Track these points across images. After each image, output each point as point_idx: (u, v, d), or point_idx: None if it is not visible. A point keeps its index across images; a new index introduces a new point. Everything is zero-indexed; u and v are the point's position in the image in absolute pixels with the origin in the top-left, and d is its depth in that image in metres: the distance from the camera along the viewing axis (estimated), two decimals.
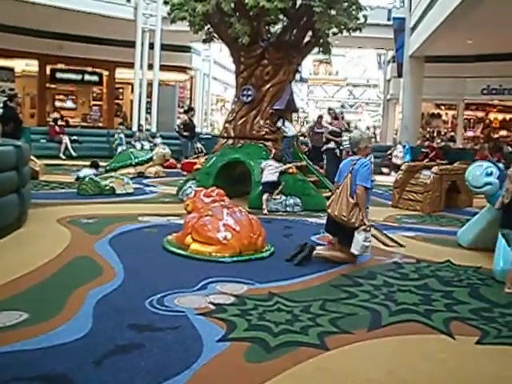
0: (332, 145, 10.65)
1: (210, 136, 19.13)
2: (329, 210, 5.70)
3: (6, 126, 10.33)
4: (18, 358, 3.03)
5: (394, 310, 4.16)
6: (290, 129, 9.83)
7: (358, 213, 5.50)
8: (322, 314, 3.99)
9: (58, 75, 24.64)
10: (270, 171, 8.73)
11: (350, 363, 3.22)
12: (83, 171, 11.16)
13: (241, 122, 9.79)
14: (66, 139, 17.32)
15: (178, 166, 15.31)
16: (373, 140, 19.12)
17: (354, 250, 5.46)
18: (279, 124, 9.62)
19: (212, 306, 4.01)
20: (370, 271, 5.31)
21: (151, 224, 7.19)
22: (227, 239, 5.53)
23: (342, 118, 11.88)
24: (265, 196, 8.66)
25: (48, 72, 24.29)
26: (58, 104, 24.97)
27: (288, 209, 8.84)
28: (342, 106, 49.69)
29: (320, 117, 16.69)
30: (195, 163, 10.94)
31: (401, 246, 6.61)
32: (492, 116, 25.16)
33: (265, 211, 8.47)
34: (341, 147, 10.75)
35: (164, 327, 3.57)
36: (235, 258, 5.46)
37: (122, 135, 17.83)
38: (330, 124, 10.69)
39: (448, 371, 3.20)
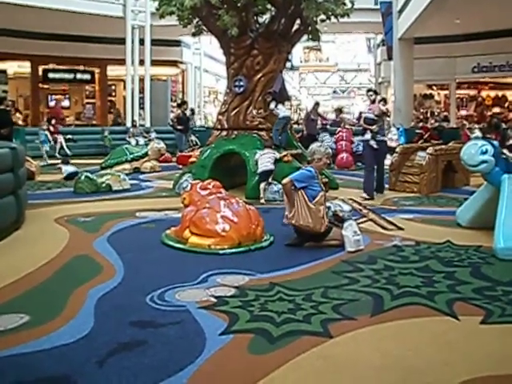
0: (368, 136, 9.38)
1: (203, 128, 19.07)
2: (292, 222, 5.72)
3: (1, 129, 10.26)
4: (20, 361, 3.00)
5: (396, 294, 4.13)
6: (283, 110, 9.78)
7: (320, 218, 5.60)
8: (324, 301, 3.97)
9: (51, 75, 24.69)
10: (267, 159, 8.69)
11: (354, 350, 3.20)
12: (67, 168, 11.16)
13: (234, 113, 9.78)
14: (60, 138, 17.22)
15: (174, 159, 15.28)
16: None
17: (349, 248, 5.48)
18: (272, 106, 9.57)
19: (213, 299, 3.99)
20: (371, 256, 5.30)
21: (149, 219, 7.17)
22: (226, 231, 5.51)
23: (382, 99, 9.76)
24: (262, 185, 8.62)
25: (40, 73, 24.27)
26: (52, 104, 24.95)
27: None
28: (334, 92, 49.62)
29: (317, 103, 16.58)
30: (190, 156, 10.89)
31: (400, 228, 6.59)
32: (484, 94, 25.16)
33: (262, 201, 8.45)
34: (376, 138, 9.28)
35: (166, 323, 3.55)
36: (234, 250, 5.44)
37: (46, 132, 16.36)
38: (370, 109, 9.61)
39: (454, 353, 3.18)
